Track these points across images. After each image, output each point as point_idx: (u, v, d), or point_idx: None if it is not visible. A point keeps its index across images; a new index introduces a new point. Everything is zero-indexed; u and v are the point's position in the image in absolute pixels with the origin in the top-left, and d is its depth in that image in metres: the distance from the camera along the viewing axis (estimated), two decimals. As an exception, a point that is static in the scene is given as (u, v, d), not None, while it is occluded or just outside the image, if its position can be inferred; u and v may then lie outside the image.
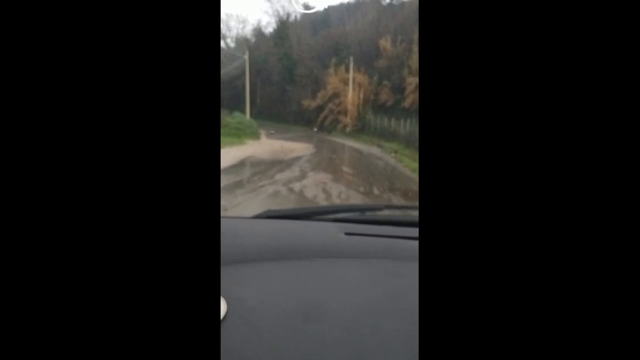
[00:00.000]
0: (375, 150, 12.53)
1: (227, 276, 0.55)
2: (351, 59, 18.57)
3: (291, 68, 21.49)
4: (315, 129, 18.94)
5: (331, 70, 19.27)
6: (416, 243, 0.71)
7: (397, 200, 5.71)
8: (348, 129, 18.02)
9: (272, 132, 15.54)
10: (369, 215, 0.95)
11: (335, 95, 18.94)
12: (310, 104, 19.40)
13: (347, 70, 18.63)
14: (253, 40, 23.08)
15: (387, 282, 0.62)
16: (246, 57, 17.56)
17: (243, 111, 18.42)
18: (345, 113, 18.46)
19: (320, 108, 18.82)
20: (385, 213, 1.03)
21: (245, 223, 0.92)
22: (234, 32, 22.94)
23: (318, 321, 0.47)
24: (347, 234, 0.81)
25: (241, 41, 23.18)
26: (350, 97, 18.20)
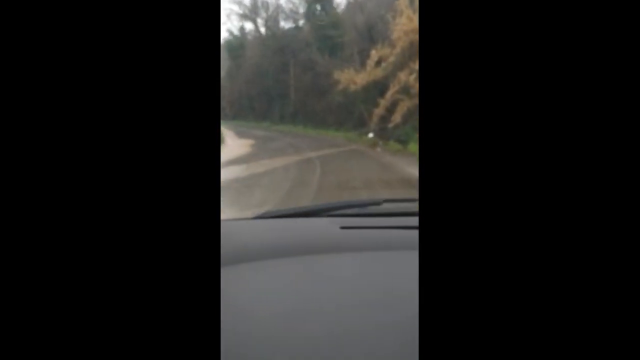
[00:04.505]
0: None
1: (223, 277, 0.62)
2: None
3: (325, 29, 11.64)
4: (370, 135, 8.42)
5: (401, 3, 8.25)
6: (412, 232, 0.70)
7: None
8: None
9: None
10: (365, 209, 0.92)
11: (412, 56, 7.91)
12: (353, 79, 8.77)
13: None
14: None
15: (382, 273, 0.63)
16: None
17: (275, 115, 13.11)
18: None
19: (379, 87, 8.30)
20: (385, 207, 0.96)
21: (243, 224, 0.91)
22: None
23: (313, 316, 0.48)
24: (342, 228, 0.80)
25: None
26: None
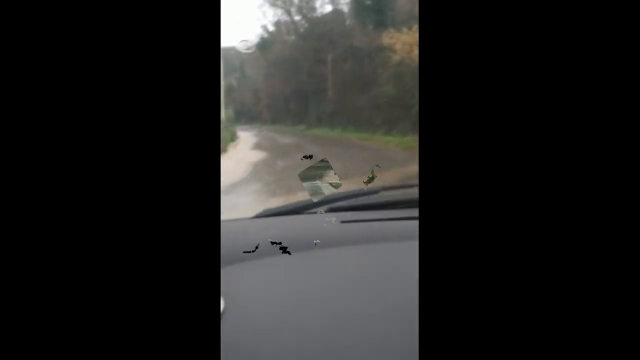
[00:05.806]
0: None
1: (225, 275, 0.63)
2: None
3: None
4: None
5: None
6: (411, 223, 0.80)
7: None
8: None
9: None
10: (364, 200, 0.96)
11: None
12: (415, 43, 5.27)
13: None
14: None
15: (382, 265, 0.66)
16: None
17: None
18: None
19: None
20: (382, 195, 1.02)
21: (244, 223, 0.94)
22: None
23: (315, 310, 0.50)
24: (342, 222, 0.84)
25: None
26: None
